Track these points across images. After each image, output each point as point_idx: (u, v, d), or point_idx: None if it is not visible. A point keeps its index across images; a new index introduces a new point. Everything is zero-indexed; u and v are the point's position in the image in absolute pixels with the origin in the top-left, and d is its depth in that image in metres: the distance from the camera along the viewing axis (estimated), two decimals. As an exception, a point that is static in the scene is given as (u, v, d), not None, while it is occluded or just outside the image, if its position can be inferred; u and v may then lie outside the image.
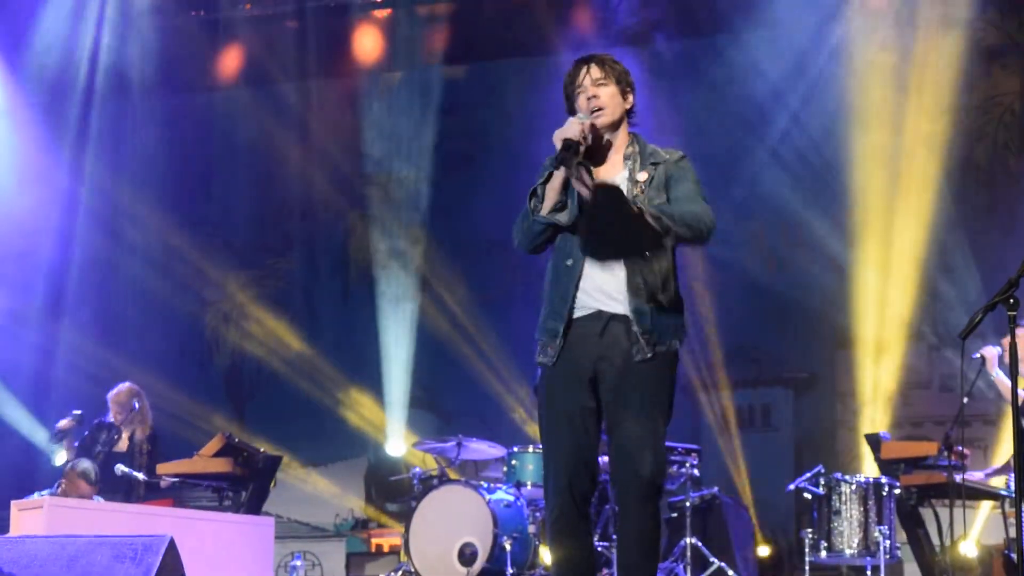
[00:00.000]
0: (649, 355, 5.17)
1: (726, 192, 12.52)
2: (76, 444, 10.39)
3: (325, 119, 14.57)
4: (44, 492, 9.22)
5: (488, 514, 9.43)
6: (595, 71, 5.33)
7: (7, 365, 13.42)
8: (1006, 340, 8.59)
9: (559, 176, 5.19)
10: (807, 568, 9.41)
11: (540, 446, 9.40)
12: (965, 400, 8.68)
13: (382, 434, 13.66)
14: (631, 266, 5.22)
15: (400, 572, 9.89)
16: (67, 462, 9.93)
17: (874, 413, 12.14)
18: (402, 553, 9.97)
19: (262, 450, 10.38)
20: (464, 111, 14.09)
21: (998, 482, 9.47)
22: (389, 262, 14.09)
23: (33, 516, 7.58)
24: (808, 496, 9.49)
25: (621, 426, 5.20)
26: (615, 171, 5.31)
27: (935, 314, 12.06)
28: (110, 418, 10.49)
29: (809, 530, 9.43)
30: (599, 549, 9.40)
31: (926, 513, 9.60)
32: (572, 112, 5.34)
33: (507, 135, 13.12)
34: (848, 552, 9.30)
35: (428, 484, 10.04)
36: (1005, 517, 9.33)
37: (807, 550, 9.38)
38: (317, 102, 14.61)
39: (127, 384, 10.67)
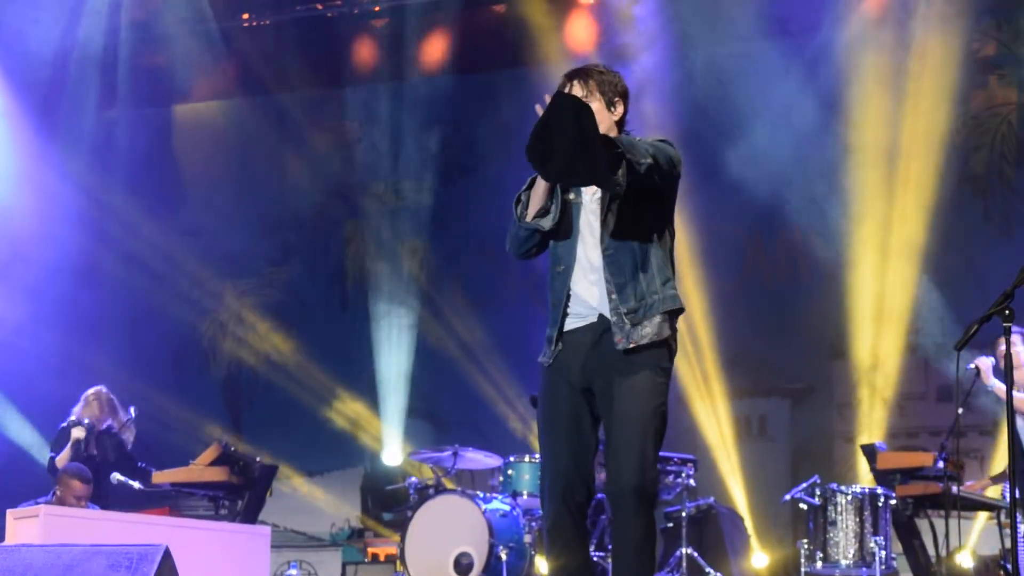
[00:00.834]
0: (643, 340, 5.18)
1: (720, 202, 12.55)
2: (53, 454, 10.31)
3: (323, 129, 14.58)
4: (40, 500, 9.21)
5: (484, 524, 9.43)
6: (577, 89, 5.30)
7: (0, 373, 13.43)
8: (1000, 348, 8.61)
9: (542, 182, 5.21)
10: (803, 579, 9.42)
11: (536, 456, 9.45)
12: (960, 411, 8.66)
13: (378, 444, 13.66)
14: (610, 259, 5.25)
15: (396, 581, 9.90)
16: (57, 469, 9.91)
17: (870, 424, 12.14)
18: (398, 563, 9.98)
19: (258, 459, 10.39)
20: (461, 121, 14.10)
21: (994, 492, 9.48)
22: (386, 272, 14.09)
23: (29, 525, 7.57)
24: (804, 506, 9.49)
25: (612, 435, 5.23)
26: None
27: (931, 325, 12.06)
28: (82, 418, 10.36)
29: (805, 540, 9.43)
30: (595, 559, 9.40)
31: (922, 524, 9.61)
32: None
33: (504, 145, 13.12)
34: (844, 563, 9.29)
35: (424, 494, 10.04)
36: (1001, 528, 9.33)
37: (803, 560, 9.37)
38: (315, 112, 14.62)
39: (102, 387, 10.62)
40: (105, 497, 9.94)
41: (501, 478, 10.10)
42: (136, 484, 9.88)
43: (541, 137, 4.94)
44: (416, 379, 13.62)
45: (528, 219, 5.28)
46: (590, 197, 5.33)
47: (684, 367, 12.38)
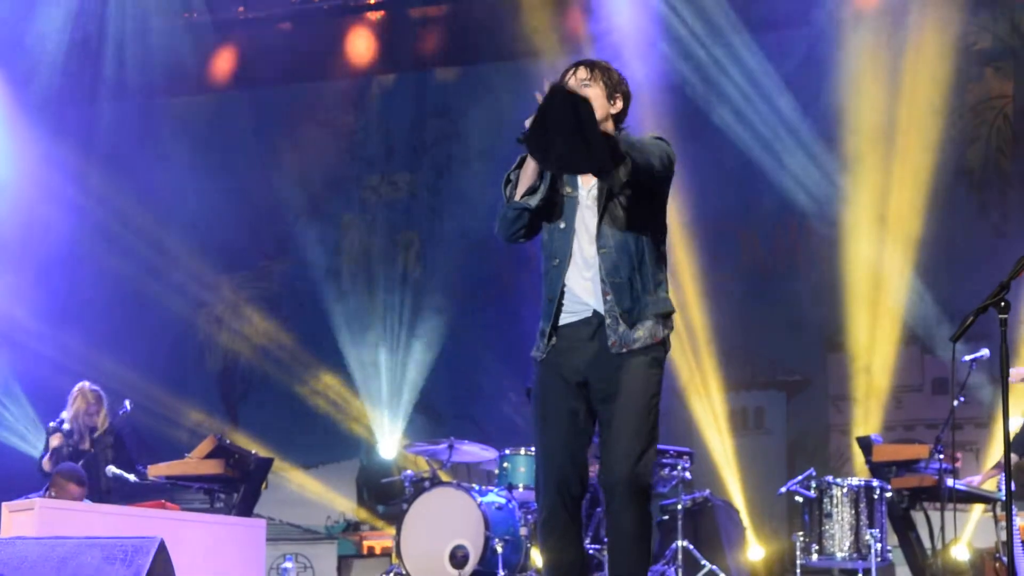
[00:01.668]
0: (636, 344, 5.19)
1: (716, 196, 12.54)
2: (47, 454, 10.30)
3: (318, 121, 14.56)
4: (33, 496, 9.19)
5: (480, 516, 9.43)
6: (582, 72, 5.38)
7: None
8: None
9: (532, 162, 5.22)
10: (798, 571, 9.41)
11: (532, 449, 9.44)
12: (956, 403, 8.67)
13: (374, 436, 13.65)
14: (606, 256, 5.25)
15: (391, 574, 9.90)
16: (53, 468, 9.90)
17: (866, 416, 12.14)
18: (393, 555, 9.98)
19: (254, 452, 10.38)
20: (457, 113, 14.09)
21: (990, 485, 9.48)
22: (382, 264, 14.09)
23: (24, 518, 7.57)
24: (800, 499, 9.48)
25: (607, 429, 5.24)
26: None
27: (927, 317, 12.06)
28: (64, 420, 10.37)
29: (800, 533, 9.42)
30: (591, 552, 9.40)
31: (917, 516, 9.61)
32: None
33: (500, 138, 13.09)
34: (839, 555, 9.29)
35: (420, 486, 10.04)
36: (997, 520, 9.33)
37: (798, 553, 9.37)
38: (310, 104, 14.60)
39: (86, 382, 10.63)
40: (105, 492, 9.94)
41: (497, 471, 10.10)
42: (132, 477, 9.88)
43: (540, 127, 4.96)
44: (412, 372, 13.61)
45: (517, 198, 5.29)
46: (586, 192, 5.34)
47: (680, 360, 12.37)
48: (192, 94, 14.94)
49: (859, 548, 9.23)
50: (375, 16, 14.44)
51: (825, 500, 9.34)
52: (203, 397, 14.21)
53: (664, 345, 5.32)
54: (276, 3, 14.43)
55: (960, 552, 9.65)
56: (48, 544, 5.31)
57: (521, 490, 9.81)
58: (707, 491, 10.78)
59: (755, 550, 11.55)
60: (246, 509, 10.02)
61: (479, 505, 9.48)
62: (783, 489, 9.60)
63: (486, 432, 11.82)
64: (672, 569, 9.90)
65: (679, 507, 10.09)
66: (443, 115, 14.14)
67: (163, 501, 9.82)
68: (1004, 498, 7.99)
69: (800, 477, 9.53)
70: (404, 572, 9.60)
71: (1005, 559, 8.71)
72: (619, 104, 5.41)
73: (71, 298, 14.03)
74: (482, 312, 13.38)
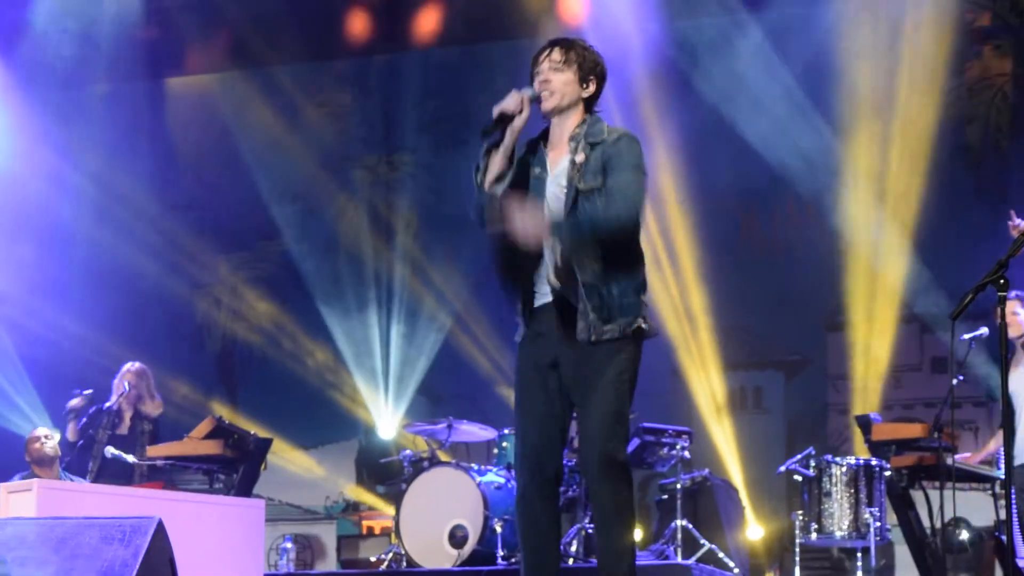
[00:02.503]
0: (605, 335, 5.17)
1: (715, 175, 12.53)
2: (79, 426, 10.37)
3: (316, 101, 14.53)
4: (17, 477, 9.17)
5: (479, 496, 9.43)
6: (556, 55, 5.38)
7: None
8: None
9: (500, 151, 5.23)
10: (797, 550, 9.42)
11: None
12: (955, 382, 8.66)
13: (373, 417, 13.66)
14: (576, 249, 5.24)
15: (391, 554, 9.90)
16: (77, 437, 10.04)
17: (865, 395, 12.15)
18: (393, 535, 9.98)
19: (253, 432, 10.37)
20: (455, 94, 14.05)
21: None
22: (379, 245, 14.07)
23: (23, 499, 7.56)
24: (799, 478, 9.49)
25: (581, 409, 5.26)
26: (564, 154, 5.31)
27: (926, 296, 12.06)
28: (112, 403, 10.42)
29: (799, 512, 9.43)
30: (588, 531, 9.41)
31: (917, 495, 9.60)
32: None
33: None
34: (838, 534, 9.30)
35: (419, 466, 10.04)
36: (996, 499, 9.33)
37: (797, 532, 9.38)
38: (308, 84, 14.57)
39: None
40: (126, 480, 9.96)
41: (496, 450, 10.10)
42: (130, 458, 9.88)
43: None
44: (411, 352, 13.61)
45: (486, 186, 5.26)
46: (552, 179, 5.32)
47: (679, 339, 12.39)
48: (190, 74, 14.91)
49: (858, 527, 9.23)
50: (373, -5, 14.40)
51: (824, 479, 9.34)
52: (202, 378, 14.21)
53: (635, 328, 5.25)
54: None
55: (959, 531, 9.66)
56: (46, 524, 5.31)
57: (520, 470, 9.80)
58: (706, 470, 10.79)
59: (754, 529, 11.55)
60: (245, 489, 10.01)
61: (478, 485, 9.48)
62: (782, 468, 9.60)
63: (484, 412, 11.82)
64: (671, 548, 9.91)
65: (678, 486, 10.10)
66: (441, 95, 14.11)
67: (162, 483, 9.83)
68: (1003, 476, 8.00)
69: (799, 456, 9.53)
70: (403, 552, 9.60)
71: (1004, 537, 8.71)
72: (592, 87, 5.40)
73: (68, 278, 14.01)
74: (481, 291, 13.36)
